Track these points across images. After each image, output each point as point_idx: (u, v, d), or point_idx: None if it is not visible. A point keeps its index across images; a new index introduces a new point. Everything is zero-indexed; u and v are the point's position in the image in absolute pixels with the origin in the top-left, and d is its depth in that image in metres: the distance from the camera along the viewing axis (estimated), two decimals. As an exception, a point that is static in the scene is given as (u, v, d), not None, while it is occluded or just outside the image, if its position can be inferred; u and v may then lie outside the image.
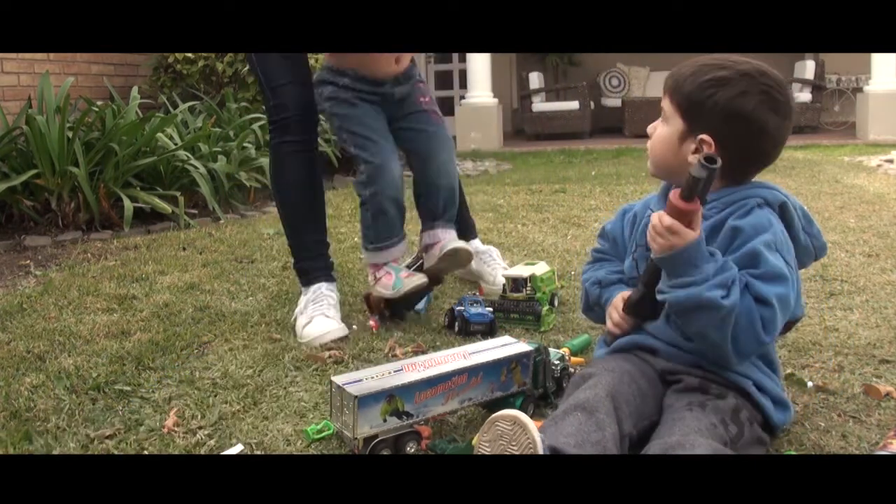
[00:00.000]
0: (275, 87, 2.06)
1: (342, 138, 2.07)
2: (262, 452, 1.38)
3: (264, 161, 4.47)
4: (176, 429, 1.47)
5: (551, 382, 1.54)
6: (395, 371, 1.37)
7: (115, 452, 1.39)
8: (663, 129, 1.38)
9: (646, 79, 10.79)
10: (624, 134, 9.60)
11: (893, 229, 3.19)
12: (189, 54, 5.59)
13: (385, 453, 1.31)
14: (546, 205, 4.11)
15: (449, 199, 2.13)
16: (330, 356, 1.83)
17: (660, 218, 1.26)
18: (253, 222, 3.86)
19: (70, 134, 3.60)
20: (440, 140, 2.13)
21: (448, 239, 2.09)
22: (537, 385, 1.52)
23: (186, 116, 4.76)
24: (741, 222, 1.29)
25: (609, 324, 1.44)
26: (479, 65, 9.03)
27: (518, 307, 2.06)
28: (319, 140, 2.27)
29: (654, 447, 1.14)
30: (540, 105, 9.69)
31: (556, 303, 2.17)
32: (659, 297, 1.30)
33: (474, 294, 2.16)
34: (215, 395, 1.62)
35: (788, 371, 1.66)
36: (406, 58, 2.09)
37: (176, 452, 1.39)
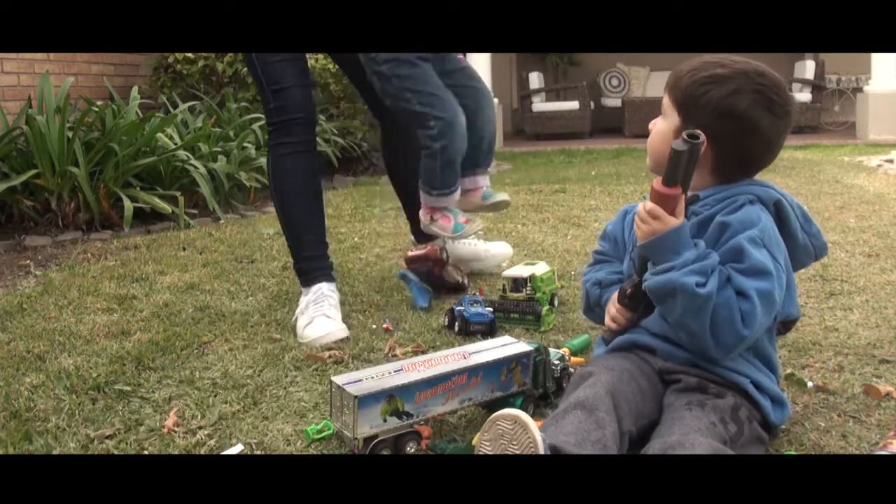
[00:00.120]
0: (276, 90, 2.06)
1: (404, 98, 2.17)
2: (262, 452, 1.38)
3: (264, 161, 4.44)
4: (176, 429, 1.47)
5: (551, 382, 1.54)
6: (395, 371, 1.37)
7: (115, 452, 1.39)
8: (661, 124, 1.40)
9: (646, 79, 10.79)
10: (624, 134, 9.60)
11: (893, 229, 3.19)
12: (189, 54, 5.59)
13: (385, 453, 1.31)
14: (546, 205, 4.11)
15: (490, 147, 2.37)
16: (330, 356, 1.83)
17: (643, 204, 1.29)
18: (253, 222, 3.86)
19: (70, 134, 3.60)
20: (485, 93, 2.33)
21: (485, 184, 2.38)
22: (537, 385, 1.52)
23: (186, 116, 4.76)
24: (729, 218, 1.30)
25: (607, 318, 1.44)
26: (479, 65, 9.00)
27: (518, 307, 2.06)
28: (318, 140, 2.27)
29: (654, 446, 1.14)
30: (540, 105, 9.69)
31: (556, 303, 2.17)
32: (643, 285, 1.31)
33: (474, 294, 2.16)
34: (215, 395, 1.62)
35: (788, 371, 1.66)
36: None
37: (176, 452, 1.39)
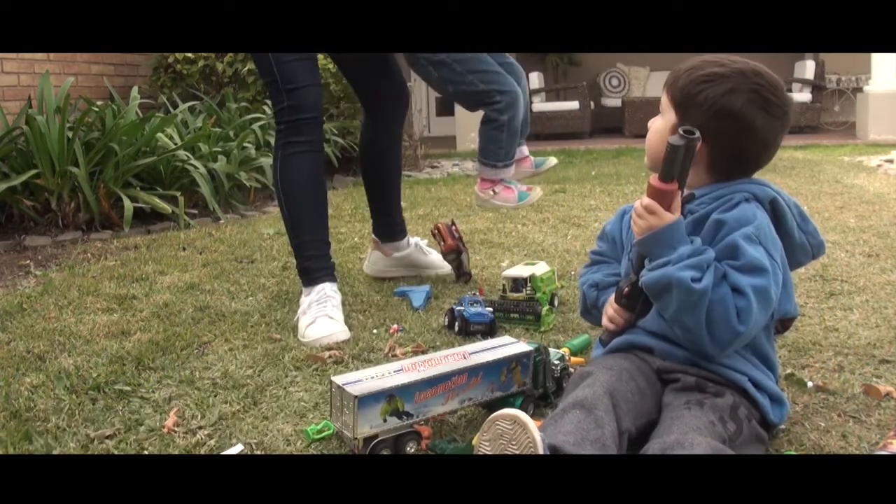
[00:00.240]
0: (292, 89, 2.06)
1: (467, 81, 2.28)
2: (262, 452, 1.38)
3: (264, 161, 4.47)
4: (176, 429, 1.46)
5: (551, 382, 1.54)
6: (395, 371, 1.37)
7: (115, 452, 1.39)
8: (659, 123, 1.41)
9: (646, 79, 10.79)
10: (624, 134, 9.60)
11: (893, 229, 3.19)
12: (189, 54, 5.58)
13: (385, 453, 1.31)
14: (546, 205, 4.11)
15: (527, 118, 2.48)
16: (330, 356, 1.83)
17: (640, 201, 1.30)
18: (253, 222, 3.86)
19: (70, 134, 3.60)
20: (518, 68, 2.43)
21: (527, 151, 2.57)
22: (537, 385, 1.52)
23: (186, 116, 4.76)
24: (725, 216, 1.30)
25: (604, 320, 1.44)
26: (480, 65, 9.01)
27: (518, 307, 2.06)
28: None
29: (653, 446, 1.14)
30: (540, 105, 9.69)
31: (556, 303, 2.17)
32: (640, 282, 1.31)
33: (474, 294, 2.16)
34: (215, 395, 1.62)
35: (788, 371, 1.66)
36: None
37: (176, 452, 1.39)
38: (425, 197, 4.64)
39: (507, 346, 1.51)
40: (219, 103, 5.30)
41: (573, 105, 9.53)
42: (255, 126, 4.75)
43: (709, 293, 1.22)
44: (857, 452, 1.32)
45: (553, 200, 4.29)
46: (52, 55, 4.95)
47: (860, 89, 8.53)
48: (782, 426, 1.38)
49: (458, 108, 9.07)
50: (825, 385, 1.59)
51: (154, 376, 1.74)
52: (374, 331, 2.04)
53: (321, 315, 1.99)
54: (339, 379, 1.34)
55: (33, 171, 3.50)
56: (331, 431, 1.42)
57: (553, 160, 2.64)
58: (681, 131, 1.24)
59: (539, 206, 4.12)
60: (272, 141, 4.77)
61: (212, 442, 1.41)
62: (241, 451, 1.38)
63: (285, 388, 1.66)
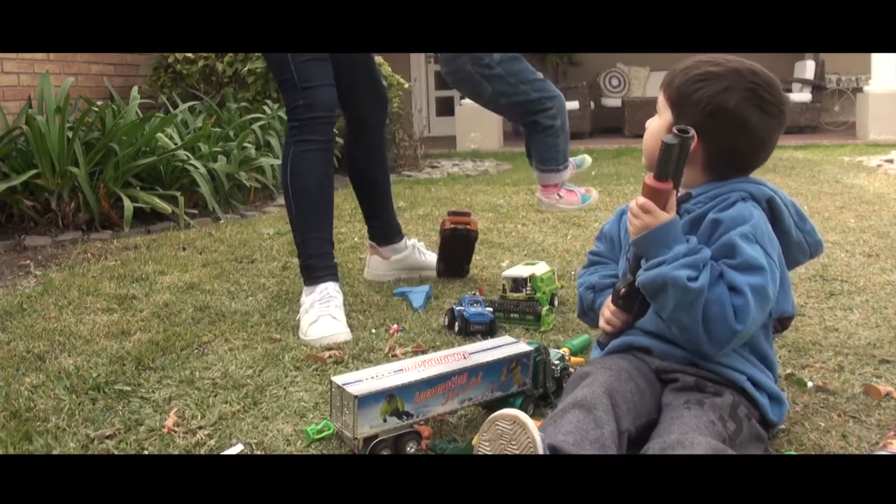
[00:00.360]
0: (307, 87, 2.07)
1: (521, 91, 2.38)
2: (262, 452, 1.38)
3: (264, 161, 4.47)
4: (176, 429, 1.46)
5: (551, 382, 1.54)
6: (395, 371, 1.37)
7: (115, 452, 1.39)
8: (656, 122, 1.41)
9: (646, 79, 10.79)
10: (624, 134, 9.60)
11: (893, 229, 3.19)
12: (189, 54, 5.58)
13: (385, 453, 1.31)
14: (546, 205, 4.11)
15: None
16: (330, 356, 1.83)
17: (636, 200, 1.30)
18: (253, 222, 3.86)
19: (70, 134, 3.60)
20: None
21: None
22: (537, 385, 1.52)
23: (186, 116, 4.76)
24: (721, 215, 1.31)
25: (602, 321, 1.44)
26: (480, 65, 9.01)
27: (518, 307, 2.06)
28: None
29: (653, 446, 1.14)
30: (540, 105, 9.67)
31: (556, 303, 2.17)
32: (636, 282, 1.31)
33: (474, 294, 2.16)
34: (215, 395, 1.62)
35: (788, 371, 1.66)
36: None
37: (176, 452, 1.39)
38: (425, 197, 4.64)
39: (507, 346, 1.51)
40: (219, 103, 5.30)
41: (573, 105, 9.53)
42: (255, 126, 4.75)
43: (705, 292, 1.22)
44: (857, 452, 1.32)
45: (553, 200, 4.28)
46: (52, 55, 4.95)
47: (860, 89, 8.53)
48: (782, 426, 1.38)
49: (458, 108, 9.11)
50: (825, 385, 1.59)
51: (154, 376, 1.74)
52: (374, 331, 2.04)
53: (324, 314, 1.99)
54: (339, 379, 1.34)
55: (33, 171, 3.50)
56: (331, 431, 1.42)
57: (588, 158, 2.72)
58: (675, 130, 1.24)
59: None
60: (272, 141, 4.81)
61: (212, 442, 1.41)
62: (241, 451, 1.38)
63: (285, 388, 1.66)
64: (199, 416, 1.52)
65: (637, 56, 10.74)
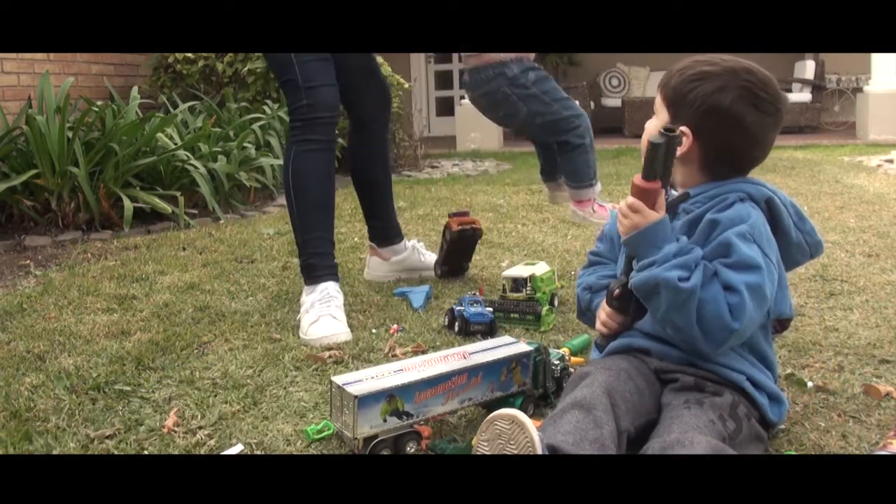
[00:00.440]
0: (311, 87, 2.08)
1: (553, 110, 2.43)
2: (262, 452, 1.38)
3: (264, 161, 4.47)
4: (176, 429, 1.46)
5: (551, 382, 1.54)
6: (395, 371, 1.37)
7: (115, 452, 1.39)
8: (653, 123, 1.42)
9: (646, 79, 10.79)
10: (624, 134, 9.59)
11: (893, 229, 3.19)
12: (189, 54, 5.58)
13: (385, 453, 1.31)
14: (546, 205, 4.11)
15: None
16: (330, 356, 1.83)
17: (625, 200, 1.30)
18: (253, 222, 3.86)
19: (70, 134, 3.60)
20: None
21: None
22: (537, 385, 1.52)
23: (186, 116, 4.76)
24: (719, 215, 1.30)
25: (598, 323, 1.44)
26: (480, 65, 9.00)
27: (518, 307, 2.06)
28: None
29: (653, 445, 1.14)
30: (540, 105, 9.66)
31: (556, 303, 2.17)
32: (629, 284, 1.31)
33: (474, 294, 2.16)
34: (215, 395, 1.62)
35: (788, 371, 1.66)
36: None
37: (176, 452, 1.39)
38: (425, 197, 4.64)
39: (507, 346, 1.51)
40: (219, 103, 5.30)
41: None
42: (255, 126, 4.75)
43: (697, 292, 1.22)
44: (857, 452, 1.32)
45: (553, 200, 4.29)
46: (52, 55, 4.95)
47: (860, 89, 8.52)
48: (782, 426, 1.38)
49: (458, 108, 9.10)
50: (825, 385, 1.59)
51: (154, 376, 1.74)
52: (374, 331, 2.04)
53: (325, 314, 1.99)
54: (339, 379, 1.34)
55: (33, 171, 3.50)
56: (331, 431, 1.42)
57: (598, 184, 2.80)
58: (661, 129, 1.25)
59: (539, 206, 4.12)
60: (272, 141, 4.81)
61: (212, 442, 1.41)
62: (241, 451, 1.38)
63: (285, 388, 1.66)
64: (199, 416, 1.52)
65: (637, 56, 10.73)
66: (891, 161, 5.65)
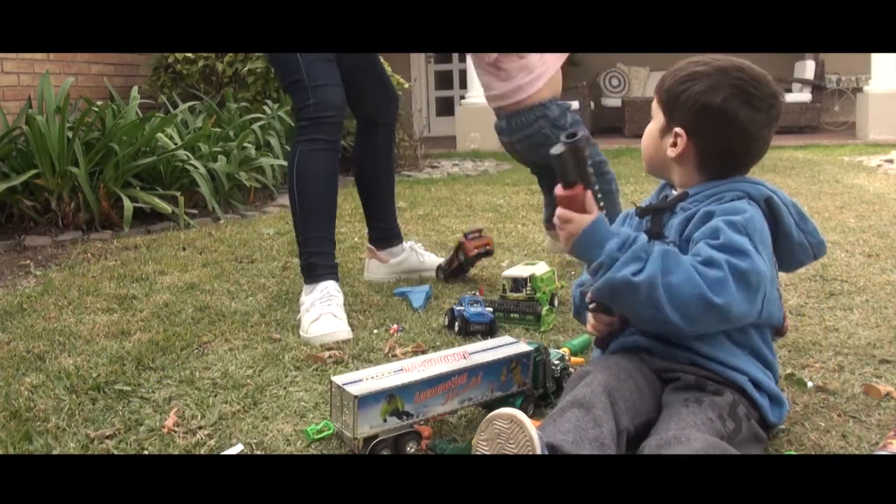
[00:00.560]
0: (317, 86, 2.09)
1: (593, 152, 2.42)
2: (262, 452, 1.38)
3: (264, 161, 4.47)
4: (176, 429, 1.47)
5: (551, 382, 1.53)
6: (395, 371, 1.37)
7: (115, 452, 1.39)
8: (651, 125, 1.42)
9: (646, 79, 10.79)
10: (624, 134, 9.59)
11: (893, 229, 3.19)
12: (189, 54, 5.58)
13: (385, 453, 1.31)
14: (546, 205, 4.11)
15: None
16: (330, 356, 1.83)
17: (556, 213, 1.29)
18: (253, 222, 3.86)
19: (70, 134, 3.60)
20: None
21: None
22: (537, 385, 1.52)
23: (186, 116, 4.76)
24: (715, 207, 1.30)
25: (588, 325, 1.45)
26: (480, 65, 9.00)
27: (518, 307, 2.06)
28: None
29: (650, 443, 1.14)
30: (540, 105, 9.66)
31: (556, 303, 2.17)
32: (591, 295, 1.31)
33: (474, 294, 2.16)
34: (215, 395, 1.62)
35: (788, 371, 1.66)
36: None
37: (176, 452, 1.39)
38: (425, 197, 4.64)
39: (507, 346, 1.51)
40: (219, 103, 5.29)
41: (573, 105, 9.52)
42: (255, 126, 4.75)
43: (657, 279, 1.19)
44: (857, 452, 1.32)
45: (553, 200, 4.28)
46: (52, 55, 4.95)
47: (860, 89, 8.52)
48: (782, 426, 1.38)
49: (458, 108, 9.11)
50: (825, 385, 1.59)
51: (154, 376, 1.74)
52: (374, 331, 2.04)
53: (326, 313, 2.00)
54: (339, 379, 1.34)
55: (33, 171, 3.50)
56: (331, 431, 1.42)
57: None
58: (562, 138, 1.23)
59: (539, 206, 4.11)
60: (272, 141, 4.81)
61: (212, 442, 1.41)
62: (241, 451, 1.38)
63: (285, 388, 1.66)
64: (199, 416, 1.52)
65: (637, 56, 10.73)
66: (891, 161, 5.65)
